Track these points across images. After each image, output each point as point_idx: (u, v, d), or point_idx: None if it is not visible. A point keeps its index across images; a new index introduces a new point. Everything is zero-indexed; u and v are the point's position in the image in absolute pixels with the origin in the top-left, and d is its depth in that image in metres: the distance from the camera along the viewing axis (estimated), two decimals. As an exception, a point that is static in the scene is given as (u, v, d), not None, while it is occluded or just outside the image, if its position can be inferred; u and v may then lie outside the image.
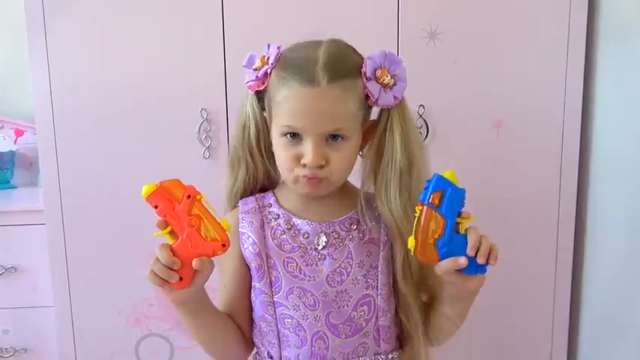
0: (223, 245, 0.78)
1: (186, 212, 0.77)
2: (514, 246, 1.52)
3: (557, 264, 1.58)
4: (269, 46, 0.86)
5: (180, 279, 0.78)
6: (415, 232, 0.80)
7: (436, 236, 0.79)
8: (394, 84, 0.84)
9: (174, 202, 0.77)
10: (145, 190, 0.78)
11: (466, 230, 0.80)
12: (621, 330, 1.44)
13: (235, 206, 0.94)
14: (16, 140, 1.92)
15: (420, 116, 1.47)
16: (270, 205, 0.92)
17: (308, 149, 0.81)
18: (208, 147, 1.47)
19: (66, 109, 1.45)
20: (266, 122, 0.89)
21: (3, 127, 1.92)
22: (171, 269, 0.77)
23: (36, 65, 1.43)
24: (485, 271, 0.81)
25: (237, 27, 1.43)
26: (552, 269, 1.59)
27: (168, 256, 0.77)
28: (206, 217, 0.78)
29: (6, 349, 1.66)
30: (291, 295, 0.87)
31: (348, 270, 0.88)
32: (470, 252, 0.79)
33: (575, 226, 1.58)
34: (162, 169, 1.47)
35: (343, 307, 0.88)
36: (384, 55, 0.84)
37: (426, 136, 1.49)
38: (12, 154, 1.89)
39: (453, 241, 0.79)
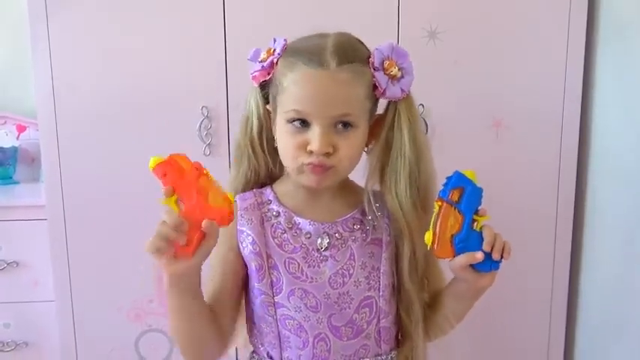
0: (230, 213, 0.77)
1: (195, 181, 0.76)
2: (511, 245, 1.53)
3: (555, 264, 1.59)
4: (275, 39, 0.85)
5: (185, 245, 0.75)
6: (433, 226, 0.80)
7: (453, 232, 0.80)
8: (401, 76, 0.83)
9: (182, 172, 0.77)
10: (153, 160, 0.77)
11: (481, 228, 0.81)
12: (618, 331, 1.44)
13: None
14: (18, 136, 1.93)
15: (420, 115, 1.48)
16: (270, 202, 0.89)
17: (315, 135, 0.80)
18: (209, 144, 1.48)
19: (68, 105, 1.46)
20: (269, 116, 0.88)
21: (6, 122, 1.93)
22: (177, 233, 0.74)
23: (38, 63, 1.44)
24: (498, 267, 0.82)
25: (238, 25, 1.43)
26: (550, 269, 1.59)
27: (178, 217, 0.74)
28: (212, 188, 0.77)
29: (7, 342, 1.67)
30: (293, 297, 0.86)
31: (351, 272, 0.87)
32: (486, 247, 0.80)
33: (573, 226, 1.58)
34: (163, 166, 1.49)
35: (345, 309, 0.86)
36: (391, 48, 0.84)
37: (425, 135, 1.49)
38: (14, 149, 1.90)
39: (470, 238, 0.80)
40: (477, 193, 0.81)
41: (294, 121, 0.81)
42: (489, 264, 0.81)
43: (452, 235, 0.80)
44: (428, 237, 0.81)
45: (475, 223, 0.81)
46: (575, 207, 1.58)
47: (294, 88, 0.80)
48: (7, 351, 1.67)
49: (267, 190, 0.91)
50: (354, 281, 0.87)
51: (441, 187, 0.82)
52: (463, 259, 0.80)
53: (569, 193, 1.56)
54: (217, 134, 1.48)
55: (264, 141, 0.90)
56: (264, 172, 0.92)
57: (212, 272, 0.90)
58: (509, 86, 1.51)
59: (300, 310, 0.86)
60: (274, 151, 0.89)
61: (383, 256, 0.88)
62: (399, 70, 0.83)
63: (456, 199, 0.80)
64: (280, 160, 0.89)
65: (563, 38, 1.49)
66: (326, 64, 0.79)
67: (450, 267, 0.84)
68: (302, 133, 0.81)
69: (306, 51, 0.81)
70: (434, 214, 0.81)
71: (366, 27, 1.43)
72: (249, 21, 1.43)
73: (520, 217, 1.56)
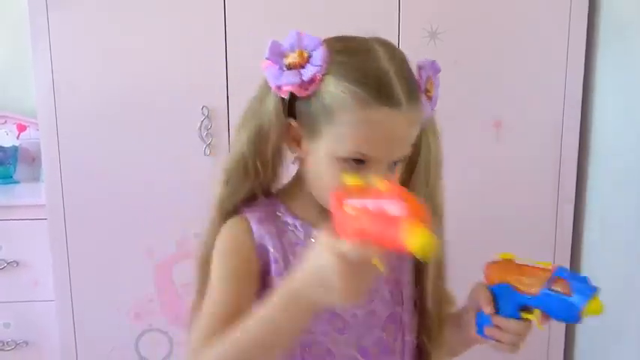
0: None
1: None
2: (511, 246, 1.53)
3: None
4: (299, 35, 0.71)
5: None
6: (516, 261, 0.78)
7: (516, 284, 0.76)
8: (433, 95, 0.77)
9: None
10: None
11: (523, 317, 0.78)
12: (618, 331, 1.44)
13: (226, 217, 0.79)
14: (18, 135, 1.93)
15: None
16: (282, 214, 0.79)
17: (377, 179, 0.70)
18: (209, 144, 1.48)
19: (68, 105, 1.46)
20: (289, 130, 0.75)
21: (6, 122, 1.93)
22: None
23: (38, 62, 1.44)
24: (485, 338, 0.80)
25: (238, 25, 1.43)
26: (550, 269, 1.59)
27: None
28: None
29: (7, 342, 1.67)
30: (320, 321, 0.77)
31: (376, 288, 0.81)
32: (491, 331, 0.78)
33: (573, 226, 1.58)
34: (163, 165, 1.49)
35: (373, 328, 0.81)
36: (431, 64, 0.76)
37: (426, 135, 1.49)
38: (15, 149, 1.90)
39: (509, 300, 0.77)
40: (568, 307, 0.74)
41: (350, 159, 0.71)
42: (482, 329, 0.79)
43: (509, 283, 0.76)
44: (504, 256, 0.78)
45: (526, 313, 0.77)
46: (575, 207, 1.58)
47: (362, 128, 0.69)
48: (7, 350, 1.67)
49: (275, 201, 0.80)
50: (381, 297, 0.82)
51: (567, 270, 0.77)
52: (479, 296, 0.78)
53: (569, 193, 1.56)
54: (217, 134, 1.48)
55: (277, 159, 0.78)
56: (264, 190, 0.80)
57: (219, 290, 0.75)
58: (509, 86, 1.51)
59: (328, 334, 0.78)
60: (281, 164, 0.79)
61: (405, 267, 0.83)
62: (434, 89, 0.77)
63: (559, 285, 0.74)
64: (279, 173, 0.80)
65: (563, 38, 1.49)
66: (398, 102, 0.68)
67: (472, 287, 0.81)
68: (360, 172, 0.69)
69: (372, 80, 0.69)
70: (534, 260, 0.77)
71: (366, 27, 1.43)
72: (249, 21, 1.43)
73: (520, 218, 1.56)
